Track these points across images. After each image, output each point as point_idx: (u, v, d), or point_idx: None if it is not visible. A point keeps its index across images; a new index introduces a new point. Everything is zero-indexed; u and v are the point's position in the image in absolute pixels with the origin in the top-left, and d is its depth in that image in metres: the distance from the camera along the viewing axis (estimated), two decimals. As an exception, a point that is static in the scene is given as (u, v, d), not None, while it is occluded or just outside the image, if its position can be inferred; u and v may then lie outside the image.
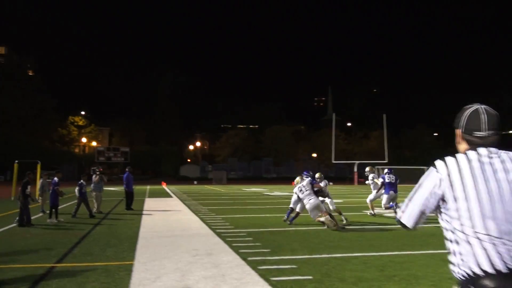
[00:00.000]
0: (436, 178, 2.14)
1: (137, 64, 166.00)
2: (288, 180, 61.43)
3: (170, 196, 28.60)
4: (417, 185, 2.22)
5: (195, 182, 60.85)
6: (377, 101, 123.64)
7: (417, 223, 2.21)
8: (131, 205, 18.38)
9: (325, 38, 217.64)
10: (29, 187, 13.31)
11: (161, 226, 12.89)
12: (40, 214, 16.13)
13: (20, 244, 9.69)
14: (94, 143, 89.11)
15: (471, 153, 2.15)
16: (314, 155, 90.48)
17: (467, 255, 2.04)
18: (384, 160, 55.07)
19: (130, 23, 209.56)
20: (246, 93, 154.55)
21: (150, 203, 22.04)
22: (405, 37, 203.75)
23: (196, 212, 17.01)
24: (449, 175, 2.11)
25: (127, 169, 19.60)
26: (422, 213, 2.19)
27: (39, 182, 17.71)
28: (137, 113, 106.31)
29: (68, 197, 23.14)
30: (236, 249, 8.90)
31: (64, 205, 19.48)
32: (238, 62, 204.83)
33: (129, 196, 18.55)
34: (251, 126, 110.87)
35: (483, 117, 2.17)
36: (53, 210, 14.26)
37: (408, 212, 2.22)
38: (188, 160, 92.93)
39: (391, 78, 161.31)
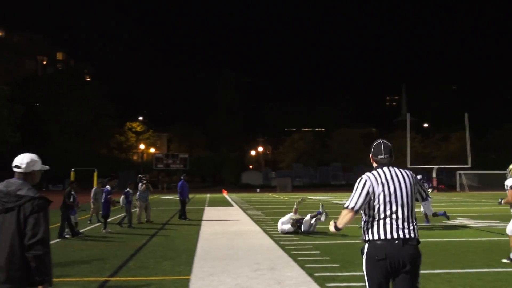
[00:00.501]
0: (366, 181, 3.90)
1: (195, 67, 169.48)
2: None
3: (231, 205, 28.71)
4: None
5: (258, 190, 61.02)
6: (457, 99, 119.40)
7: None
8: (183, 214, 18.56)
9: (398, 31, 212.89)
10: (72, 196, 13.56)
11: (221, 237, 12.85)
12: (97, 224, 16.55)
13: (74, 256, 9.92)
14: (152, 150, 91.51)
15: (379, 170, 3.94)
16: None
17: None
18: (467, 164, 52.89)
19: (188, 24, 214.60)
20: (311, 94, 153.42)
21: (209, 213, 22.19)
22: (487, 27, 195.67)
23: (258, 222, 16.89)
24: (372, 183, 3.86)
25: (182, 177, 19.83)
26: (365, 203, 3.86)
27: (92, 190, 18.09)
28: (196, 117, 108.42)
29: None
30: (301, 264, 8.67)
31: (120, 215, 19.91)
32: (302, 60, 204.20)
33: (182, 205, 18.76)
34: (317, 129, 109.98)
35: (382, 147, 4.02)
36: (105, 220, 14.55)
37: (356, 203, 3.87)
38: (250, 167, 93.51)
39: (472, 72, 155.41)
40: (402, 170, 3.97)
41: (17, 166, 3.64)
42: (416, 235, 3.77)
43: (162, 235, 13.64)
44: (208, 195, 45.88)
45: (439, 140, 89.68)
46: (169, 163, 68.16)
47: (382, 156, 3.99)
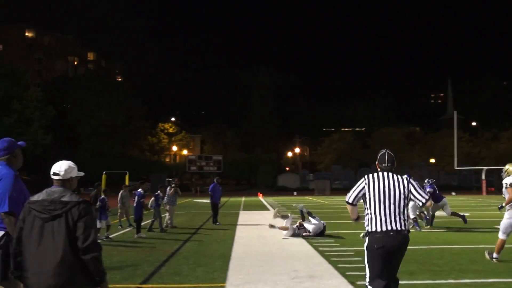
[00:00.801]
0: (363, 182, 5.09)
1: (230, 66, 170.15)
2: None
3: (267, 209, 28.65)
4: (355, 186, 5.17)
5: (295, 193, 60.76)
6: (507, 95, 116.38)
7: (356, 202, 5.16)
8: (216, 217, 18.57)
9: (443, 22, 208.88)
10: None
11: (256, 243, 12.79)
12: (128, 229, 16.71)
13: (105, 261, 9.95)
14: (185, 152, 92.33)
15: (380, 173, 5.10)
16: (432, 160, 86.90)
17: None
18: (519, 165, 51.44)
19: (223, 22, 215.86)
20: (351, 91, 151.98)
21: (244, 217, 22.19)
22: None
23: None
24: (368, 182, 5.02)
25: (215, 179, 19.85)
26: (358, 198, 5.07)
27: (119, 194, 18.24)
28: (231, 118, 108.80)
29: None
30: (342, 271, 8.52)
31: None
32: (342, 56, 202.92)
33: (213, 209, 18.74)
34: (357, 129, 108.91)
35: (386, 157, 5.15)
36: (139, 224, 14.67)
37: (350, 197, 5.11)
38: (287, 169, 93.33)
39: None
40: (399, 176, 5.14)
41: (55, 174, 3.91)
42: (407, 227, 5.04)
43: (195, 240, 13.66)
44: (243, 199, 45.94)
45: (488, 140, 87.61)
46: (203, 165, 68.56)
47: (386, 164, 5.22)
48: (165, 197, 17.45)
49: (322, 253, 10.67)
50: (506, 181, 8.81)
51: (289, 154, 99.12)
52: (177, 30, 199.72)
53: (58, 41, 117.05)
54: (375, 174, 5.12)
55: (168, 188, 17.64)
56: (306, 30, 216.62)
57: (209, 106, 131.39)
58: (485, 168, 57.59)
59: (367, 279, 5.08)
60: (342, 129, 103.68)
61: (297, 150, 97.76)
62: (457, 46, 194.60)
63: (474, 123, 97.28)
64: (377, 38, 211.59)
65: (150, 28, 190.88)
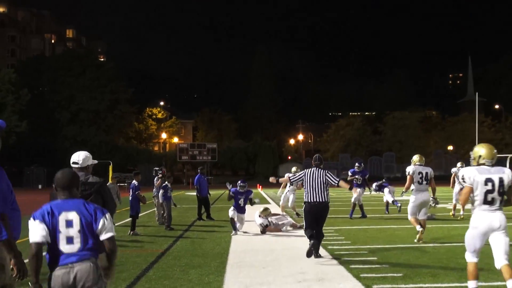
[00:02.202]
0: (303, 173, 10.45)
1: (225, 44, 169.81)
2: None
3: (267, 202, 28.44)
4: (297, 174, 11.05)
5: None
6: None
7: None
8: (208, 214, 18.43)
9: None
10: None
11: (257, 241, 12.58)
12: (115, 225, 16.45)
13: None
14: (175, 139, 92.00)
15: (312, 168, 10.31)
16: (450, 147, 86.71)
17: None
18: (547, 152, 51.32)
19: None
20: (359, 71, 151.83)
21: (243, 212, 21.91)
22: None
23: (300, 222, 16.54)
24: (306, 175, 10.22)
25: (199, 170, 19.69)
26: (297, 180, 10.92)
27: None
28: (226, 101, 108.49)
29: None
30: (355, 273, 8.30)
31: (143, 213, 19.80)
32: (348, 31, 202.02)
33: (203, 203, 18.56)
34: (366, 113, 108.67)
35: (317, 157, 10.48)
36: (134, 220, 14.50)
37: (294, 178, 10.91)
38: (289, 158, 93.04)
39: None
40: (320, 170, 10.14)
41: (74, 163, 5.48)
42: (325, 199, 9.95)
43: (187, 237, 13.45)
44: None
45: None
46: (195, 154, 68.24)
47: (317, 162, 10.29)
48: (153, 190, 17.28)
49: (331, 252, 10.44)
50: (409, 169, 11.80)
51: (292, 141, 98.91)
52: (166, 3, 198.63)
53: (34, 16, 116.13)
54: (310, 169, 10.30)
55: (155, 179, 17.45)
56: (311, 1, 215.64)
57: (202, 89, 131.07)
58: (509, 155, 57.36)
59: (304, 227, 10.26)
60: (350, 114, 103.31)
61: (300, 137, 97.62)
62: (478, 20, 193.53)
63: (497, 106, 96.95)
64: (390, 11, 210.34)
65: (136, 2, 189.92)
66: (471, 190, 6.27)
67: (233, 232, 13.79)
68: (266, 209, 14.82)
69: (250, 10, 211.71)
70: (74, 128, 75.05)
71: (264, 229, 14.04)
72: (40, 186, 59.69)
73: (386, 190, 19.25)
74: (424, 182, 11.59)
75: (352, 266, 8.86)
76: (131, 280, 8.10)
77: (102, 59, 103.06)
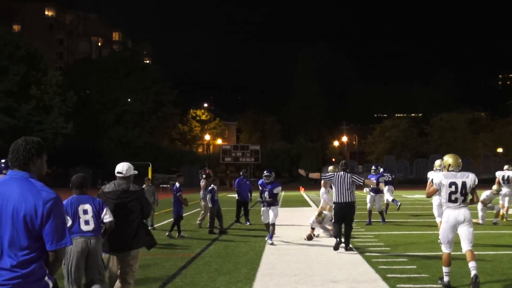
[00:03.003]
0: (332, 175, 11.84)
1: (268, 44, 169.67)
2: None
3: (308, 205, 28.02)
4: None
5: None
6: None
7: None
8: (247, 217, 18.02)
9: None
10: None
11: (292, 246, 12.21)
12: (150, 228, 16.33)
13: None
14: (219, 141, 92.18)
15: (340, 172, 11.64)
16: (500, 150, 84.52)
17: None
18: None
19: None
20: (405, 72, 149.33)
21: (281, 215, 21.28)
22: None
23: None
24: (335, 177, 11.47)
25: (241, 173, 19.26)
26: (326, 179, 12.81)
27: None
28: (270, 103, 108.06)
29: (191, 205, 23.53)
30: (392, 283, 7.87)
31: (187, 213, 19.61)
32: (394, 30, 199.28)
33: (243, 206, 18.16)
34: (412, 115, 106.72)
35: (343, 162, 12.25)
36: (177, 223, 14.34)
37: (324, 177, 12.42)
38: (333, 160, 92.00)
39: None
40: (347, 174, 11.43)
41: (119, 172, 6.36)
42: (352, 199, 11.30)
43: (222, 241, 13.19)
44: (283, 193, 45.37)
45: None
46: (238, 156, 68.32)
47: (343, 167, 11.69)
48: (201, 191, 16.97)
49: (368, 259, 10.00)
50: (432, 176, 9.60)
51: (336, 143, 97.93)
52: (210, 6, 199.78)
53: (81, 19, 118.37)
54: (338, 173, 11.56)
55: (201, 181, 17.13)
56: (356, 1, 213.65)
57: (246, 91, 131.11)
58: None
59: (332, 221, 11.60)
60: (396, 115, 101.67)
61: (345, 138, 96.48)
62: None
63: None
64: (437, 10, 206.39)
65: (180, 4, 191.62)
66: (435, 191, 8.09)
67: (268, 239, 12.54)
68: (320, 214, 13.91)
69: (294, 9, 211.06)
70: (119, 129, 76.05)
71: (311, 237, 13.29)
72: (85, 187, 60.46)
73: (385, 188, 17.77)
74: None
75: (390, 275, 8.42)
76: (158, 287, 7.86)
77: (147, 62, 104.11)
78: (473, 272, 7.25)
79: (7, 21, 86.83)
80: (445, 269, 7.71)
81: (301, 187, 52.98)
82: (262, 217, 12.99)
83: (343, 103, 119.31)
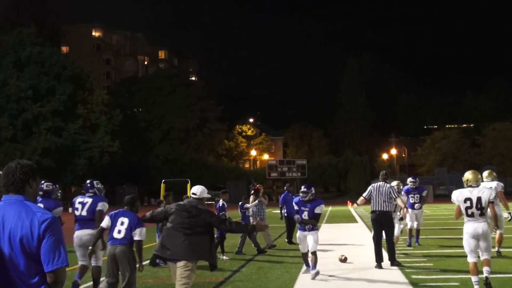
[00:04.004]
0: (371, 187, 11.49)
1: (314, 59, 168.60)
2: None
3: (355, 221, 26.83)
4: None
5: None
6: None
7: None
8: (291, 236, 16.82)
9: None
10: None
11: (332, 268, 11.16)
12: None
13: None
14: (266, 156, 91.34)
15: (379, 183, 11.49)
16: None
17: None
18: None
19: (304, 11, 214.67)
20: (456, 81, 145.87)
21: (325, 231, 20.16)
22: None
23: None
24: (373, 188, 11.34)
25: (285, 187, 18.25)
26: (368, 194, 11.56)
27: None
28: (317, 117, 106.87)
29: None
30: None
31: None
32: (444, 38, 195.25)
33: (290, 224, 16.95)
34: (464, 125, 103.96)
35: (384, 172, 12.06)
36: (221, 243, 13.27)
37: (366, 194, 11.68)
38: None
39: None
40: (386, 184, 11.32)
41: (194, 194, 6.89)
42: (389, 209, 11.16)
43: (256, 262, 12.22)
44: (330, 208, 44.23)
45: None
46: (284, 171, 67.29)
47: (384, 177, 11.59)
48: (250, 209, 16.00)
49: (415, 284, 8.92)
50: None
51: (384, 156, 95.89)
52: (254, 23, 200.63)
53: (127, 39, 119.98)
54: (377, 183, 11.42)
55: (251, 198, 16.13)
56: (403, 9, 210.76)
57: (292, 105, 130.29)
58: None
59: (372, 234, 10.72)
60: (446, 126, 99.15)
61: (394, 151, 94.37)
62: None
63: None
64: (487, 17, 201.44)
65: (224, 22, 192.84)
66: (459, 209, 8.40)
67: (304, 267, 10.54)
68: None
69: (339, 21, 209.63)
70: (165, 146, 76.26)
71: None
72: (132, 205, 60.38)
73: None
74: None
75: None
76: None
77: (193, 78, 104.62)
78: (485, 275, 7.79)
79: (56, 43, 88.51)
80: (473, 278, 7.94)
81: (349, 201, 51.70)
82: (300, 245, 10.49)
83: (391, 115, 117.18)
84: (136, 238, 7.28)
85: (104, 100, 66.04)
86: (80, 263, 8.79)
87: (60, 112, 60.26)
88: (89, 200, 8.68)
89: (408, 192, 14.81)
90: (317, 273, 9.75)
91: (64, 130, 60.09)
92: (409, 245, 14.27)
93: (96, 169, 61.62)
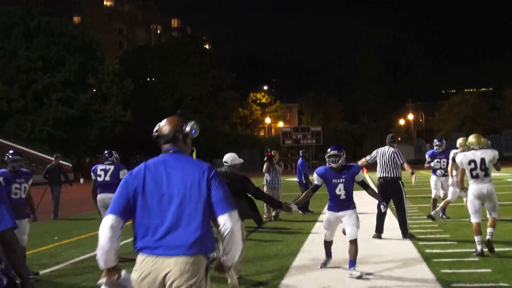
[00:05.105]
0: (375, 152, 10.79)
1: (328, 23, 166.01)
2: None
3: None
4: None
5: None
6: None
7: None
8: (307, 206, 15.95)
9: None
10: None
11: (338, 241, 10.21)
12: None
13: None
14: (281, 124, 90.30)
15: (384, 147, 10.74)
16: None
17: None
18: None
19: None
20: (474, 44, 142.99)
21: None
22: None
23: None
24: (377, 153, 10.75)
25: (301, 153, 17.43)
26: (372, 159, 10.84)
27: None
28: (332, 83, 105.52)
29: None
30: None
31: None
32: (459, 5, 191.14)
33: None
34: (483, 89, 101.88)
35: (390, 136, 11.36)
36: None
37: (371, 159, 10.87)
38: (399, 139, 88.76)
39: None
40: (391, 148, 10.52)
41: (225, 162, 7.40)
42: (396, 175, 10.25)
43: (258, 235, 11.26)
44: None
45: None
46: (299, 138, 66.43)
47: (390, 140, 10.81)
48: (265, 176, 15.08)
49: (427, 258, 7.96)
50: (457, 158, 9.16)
51: (401, 121, 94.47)
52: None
53: (139, 8, 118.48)
54: (381, 148, 10.72)
55: (265, 165, 15.09)
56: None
57: (307, 72, 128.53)
58: None
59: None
60: (465, 90, 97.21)
61: (411, 116, 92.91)
62: None
63: None
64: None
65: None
66: (464, 171, 8.59)
67: (324, 258, 7.96)
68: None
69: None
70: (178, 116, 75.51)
71: None
72: (146, 175, 59.70)
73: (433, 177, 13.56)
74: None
75: (449, 281, 6.42)
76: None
77: (206, 47, 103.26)
78: (487, 237, 8.03)
79: (68, 13, 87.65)
80: (476, 238, 8.18)
81: (364, 168, 50.70)
82: (325, 230, 7.85)
83: (408, 80, 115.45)
84: None
85: (115, 70, 65.20)
86: None
87: (71, 83, 59.65)
88: (111, 167, 9.56)
89: (433, 156, 13.27)
90: (361, 276, 7.03)
91: (75, 101, 59.55)
92: (430, 217, 12.27)
93: (109, 139, 61.13)
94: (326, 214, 7.78)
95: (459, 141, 12.75)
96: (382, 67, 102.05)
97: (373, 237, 10.21)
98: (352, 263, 7.20)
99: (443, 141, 13.78)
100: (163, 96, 76.11)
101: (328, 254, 7.87)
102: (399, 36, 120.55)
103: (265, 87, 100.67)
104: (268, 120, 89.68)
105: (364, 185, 7.83)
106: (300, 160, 17.03)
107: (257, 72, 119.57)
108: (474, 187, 8.29)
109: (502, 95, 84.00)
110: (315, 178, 7.74)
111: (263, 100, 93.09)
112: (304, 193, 8.38)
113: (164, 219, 3.22)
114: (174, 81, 76.41)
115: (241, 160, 7.38)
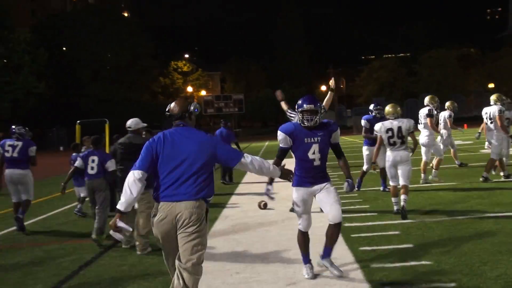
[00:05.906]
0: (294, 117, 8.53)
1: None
2: (458, 121, 55.20)
3: (291, 156, 25.51)
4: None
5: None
6: None
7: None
8: (230, 176, 15.44)
9: None
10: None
11: (253, 215, 9.68)
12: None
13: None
14: (203, 92, 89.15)
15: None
16: (492, 85, 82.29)
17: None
18: None
19: None
20: (391, 11, 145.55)
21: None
22: None
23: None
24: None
25: (221, 122, 16.80)
26: None
27: (109, 149, 14.43)
28: (254, 50, 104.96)
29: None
30: (369, 273, 5.38)
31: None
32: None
33: None
34: (401, 55, 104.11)
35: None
36: None
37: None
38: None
39: None
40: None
41: (129, 127, 7.77)
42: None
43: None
44: (266, 143, 43.12)
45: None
46: (221, 106, 65.68)
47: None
48: None
49: (346, 233, 7.51)
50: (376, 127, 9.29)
51: (323, 87, 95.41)
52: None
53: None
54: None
55: None
56: None
57: (228, 38, 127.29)
58: None
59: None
60: (384, 56, 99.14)
61: (332, 82, 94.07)
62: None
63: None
64: None
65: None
66: (381, 138, 8.91)
67: (306, 268, 5.96)
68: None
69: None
70: (96, 86, 72.74)
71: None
72: (61, 148, 57.32)
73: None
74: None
75: (375, 267, 5.97)
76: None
77: (125, 14, 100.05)
78: (401, 204, 8.47)
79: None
80: (393, 199, 8.96)
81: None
82: (299, 217, 6.10)
83: (329, 47, 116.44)
84: (110, 169, 8.30)
85: (27, 39, 61.86)
86: (13, 200, 9.63)
87: (-23, 53, 56.23)
88: (19, 143, 9.48)
89: (370, 121, 11.73)
90: (342, 275, 5.66)
91: (-17, 72, 56.21)
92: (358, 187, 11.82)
93: (23, 112, 58.34)
94: (295, 194, 5.95)
95: (447, 104, 14.99)
96: (303, 34, 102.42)
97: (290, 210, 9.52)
98: (329, 251, 5.83)
99: (380, 106, 12.08)
100: (79, 66, 73.08)
101: (306, 258, 5.94)
102: (319, 2, 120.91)
103: (186, 55, 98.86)
104: (190, 89, 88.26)
105: (339, 151, 6.05)
106: (222, 130, 16.26)
107: (179, 41, 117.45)
108: (389, 154, 8.88)
109: (419, 60, 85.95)
110: (280, 139, 5.98)
111: (185, 69, 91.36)
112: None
113: (179, 173, 4.26)
114: (91, 50, 73.42)
115: (144, 124, 8.11)
